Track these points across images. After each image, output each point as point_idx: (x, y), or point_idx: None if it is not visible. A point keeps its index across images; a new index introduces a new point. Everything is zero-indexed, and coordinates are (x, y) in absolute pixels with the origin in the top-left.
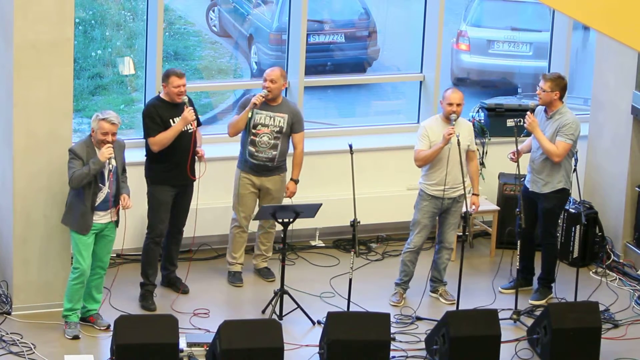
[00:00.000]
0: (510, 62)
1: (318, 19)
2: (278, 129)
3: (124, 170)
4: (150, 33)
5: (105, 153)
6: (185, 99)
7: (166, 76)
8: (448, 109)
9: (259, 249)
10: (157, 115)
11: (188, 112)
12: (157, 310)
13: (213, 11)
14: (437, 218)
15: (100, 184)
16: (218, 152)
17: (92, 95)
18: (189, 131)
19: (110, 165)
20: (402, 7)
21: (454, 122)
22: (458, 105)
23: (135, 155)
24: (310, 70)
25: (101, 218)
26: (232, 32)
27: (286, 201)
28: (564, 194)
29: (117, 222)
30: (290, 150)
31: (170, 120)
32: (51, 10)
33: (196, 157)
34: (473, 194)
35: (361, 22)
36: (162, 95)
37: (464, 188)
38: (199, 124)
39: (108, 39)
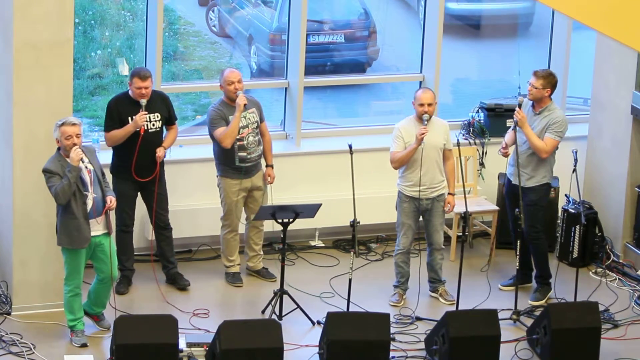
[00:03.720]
0: (498, 5)
1: (318, 19)
2: (255, 124)
3: (103, 175)
4: (150, 33)
5: (74, 157)
6: (144, 101)
7: (131, 75)
8: (420, 109)
9: (252, 250)
10: (117, 111)
11: (139, 116)
12: (157, 310)
13: (213, 11)
14: (420, 218)
15: (85, 192)
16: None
17: (92, 95)
18: (149, 131)
19: (85, 167)
20: (402, 7)
21: (426, 122)
22: (429, 105)
23: None
24: (310, 70)
25: (95, 228)
26: (232, 32)
27: (272, 191)
28: (548, 187)
29: (109, 232)
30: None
31: (129, 118)
32: (51, 10)
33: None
34: (449, 194)
35: (361, 23)
36: (130, 92)
37: (460, 187)
38: (171, 123)
39: (108, 39)
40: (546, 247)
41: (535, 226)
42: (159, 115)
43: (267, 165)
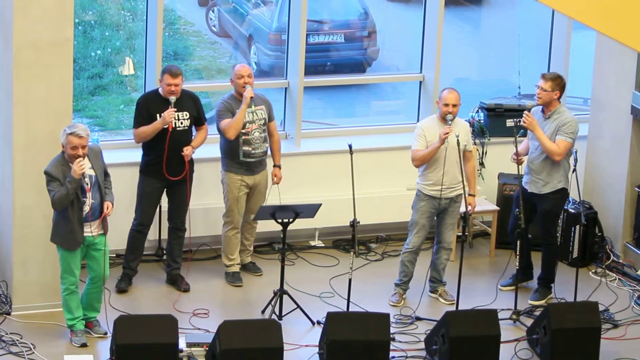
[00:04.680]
0: None
1: (318, 19)
2: (263, 121)
3: (107, 175)
4: (149, 33)
5: (77, 170)
6: (173, 99)
7: (162, 72)
8: (444, 109)
9: (242, 245)
10: (146, 108)
11: (167, 113)
12: (157, 310)
13: (213, 11)
14: (435, 218)
15: (83, 199)
16: (217, 152)
17: (91, 95)
18: (177, 129)
19: (86, 179)
20: (402, 7)
21: (450, 122)
22: (454, 105)
23: (133, 156)
24: (310, 70)
25: (90, 231)
26: (232, 32)
27: (273, 189)
28: (563, 193)
29: (105, 232)
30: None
31: (157, 115)
32: (51, 10)
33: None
34: (469, 195)
35: (361, 22)
36: (159, 90)
37: (463, 188)
38: (201, 123)
39: (108, 39)
40: (558, 253)
41: (550, 231)
42: (187, 113)
43: (274, 166)
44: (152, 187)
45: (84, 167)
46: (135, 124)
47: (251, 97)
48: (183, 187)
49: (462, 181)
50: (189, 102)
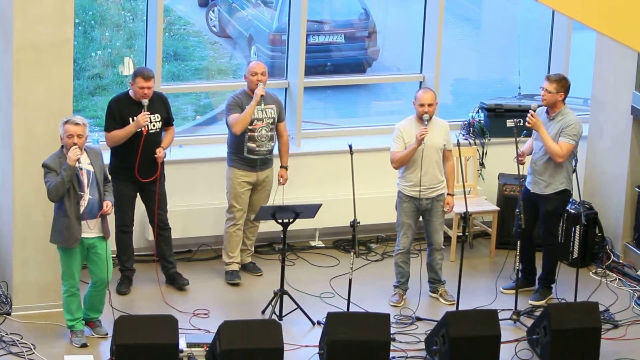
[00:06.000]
0: None
1: (318, 19)
2: (272, 120)
3: (106, 179)
4: (150, 33)
5: (72, 156)
6: (146, 102)
7: (134, 75)
8: (420, 109)
9: (244, 244)
10: (118, 111)
11: (142, 117)
12: (157, 310)
13: (213, 12)
14: (420, 219)
15: (80, 192)
16: (217, 152)
17: (92, 96)
18: (150, 132)
19: (80, 165)
20: (402, 8)
21: (426, 123)
22: (429, 105)
23: None
24: (310, 70)
25: (89, 231)
26: (232, 32)
27: (278, 190)
28: (565, 194)
29: (105, 236)
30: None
31: (130, 119)
32: (51, 10)
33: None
34: (448, 194)
35: (361, 23)
36: (130, 92)
37: (460, 188)
38: (169, 124)
39: (108, 39)
40: (559, 254)
41: (552, 232)
42: (159, 116)
43: (281, 167)
44: (126, 189)
45: (78, 153)
46: (107, 127)
47: (262, 95)
48: (152, 188)
49: (463, 182)
50: (160, 104)
